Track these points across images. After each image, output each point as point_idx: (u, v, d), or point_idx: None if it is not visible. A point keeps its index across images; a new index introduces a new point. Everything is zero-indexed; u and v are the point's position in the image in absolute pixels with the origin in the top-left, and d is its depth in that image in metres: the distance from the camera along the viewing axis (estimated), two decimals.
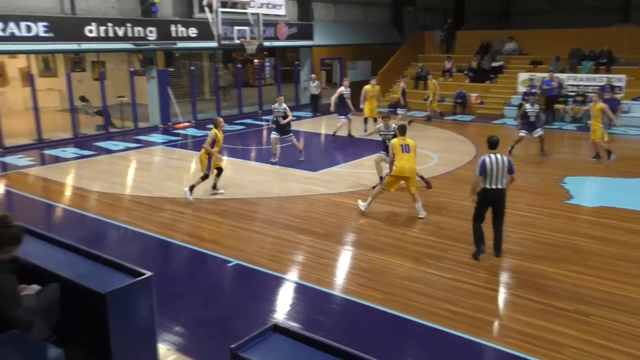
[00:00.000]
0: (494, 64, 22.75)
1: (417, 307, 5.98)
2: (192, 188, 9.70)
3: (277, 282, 6.70)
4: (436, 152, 13.77)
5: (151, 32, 16.73)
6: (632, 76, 19.28)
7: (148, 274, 3.80)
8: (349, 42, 25.02)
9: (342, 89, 15.73)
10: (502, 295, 6.42)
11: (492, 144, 7.33)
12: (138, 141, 15.70)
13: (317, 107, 21.21)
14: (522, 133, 13.38)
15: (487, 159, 7.11)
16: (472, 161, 13.04)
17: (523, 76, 20.74)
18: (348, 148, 14.82)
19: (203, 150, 9.73)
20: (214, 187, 10.17)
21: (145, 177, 11.91)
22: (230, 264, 7.17)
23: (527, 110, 13.34)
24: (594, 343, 5.27)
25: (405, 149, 8.81)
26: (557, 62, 20.82)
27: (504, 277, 6.86)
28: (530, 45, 23.29)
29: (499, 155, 7.18)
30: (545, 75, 19.78)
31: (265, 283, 6.68)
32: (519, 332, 5.50)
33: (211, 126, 10.19)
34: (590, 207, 9.43)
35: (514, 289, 6.49)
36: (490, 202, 7.22)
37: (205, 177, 9.81)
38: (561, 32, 22.45)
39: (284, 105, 12.46)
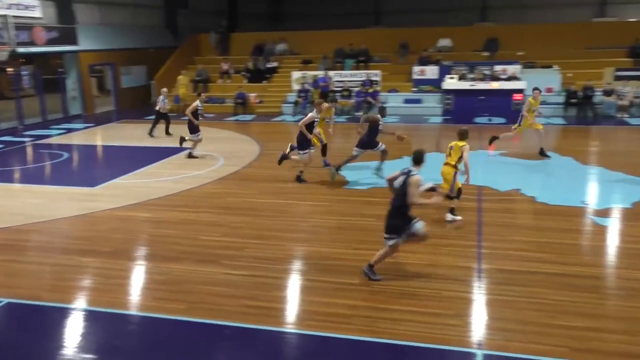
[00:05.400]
0: (269, 65, 23.73)
1: (220, 310, 5.94)
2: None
3: (63, 313, 6.04)
4: (222, 154, 13.84)
5: None
6: (386, 71, 21.92)
7: None
8: (120, 46, 23.65)
9: (197, 103, 13.34)
10: (298, 282, 6.76)
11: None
12: None
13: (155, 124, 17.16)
14: None
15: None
16: (257, 159, 13.43)
17: (296, 75, 22.03)
18: (129, 158, 14.01)
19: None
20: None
21: None
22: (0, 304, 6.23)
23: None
24: (378, 308, 5.89)
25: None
26: (325, 61, 22.58)
27: (298, 265, 7.21)
28: (300, 46, 24.86)
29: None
30: (317, 73, 21.36)
31: (49, 317, 5.95)
32: (317, 313, 5.85)
33: None
34: (365, 189, 10.44)
35: (309, 275, 6.86)
36: None
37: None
38: (326, 33, 24.44)
39: None
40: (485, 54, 22.12)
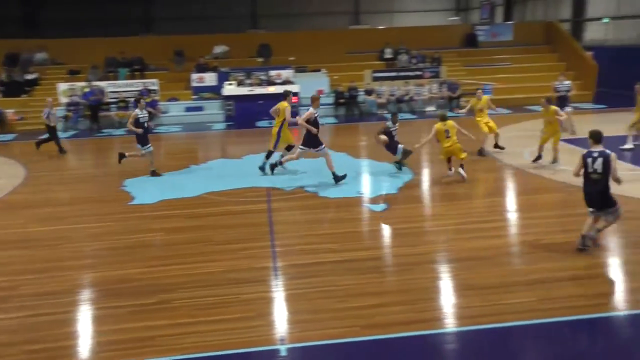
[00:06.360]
0: (28, 76, 21.20)
1: None
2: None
3: None
4: None
5: None
6: (164, 80, 21.32)
7: None
8: None
9: (137, 111, 11.72)
10: (88, 313, 6.19)
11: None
12: None
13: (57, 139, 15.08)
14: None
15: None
16: (24, 183, 11.92)
17: (63, 86, 20.08)
18: None
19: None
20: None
21: None
22: None
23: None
24: (181, 324, 5.72)
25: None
26: (95, 71, 21.01)
27: (86, 295, 6.61)
28: (64, 55, 22.69)
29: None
30: (88, 84, 19.81)
31: None
32: (113, 342, 5.44)
33: None
34: (152, 203, 10.04)
35: (100, 303, 6.34)
36: None
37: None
38: (95, 40, 22.73)
39: None
40: (260, 59, 22.97)
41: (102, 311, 6.16)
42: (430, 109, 20.90)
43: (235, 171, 12.26)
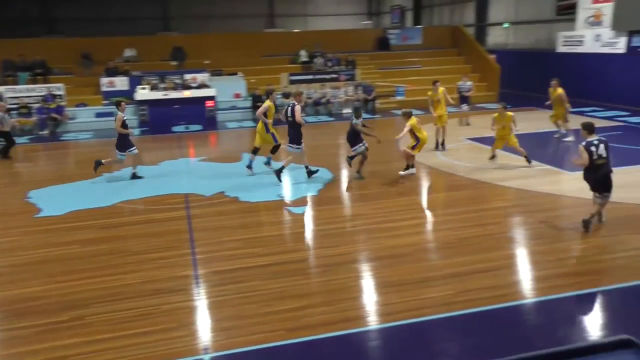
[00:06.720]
0: None
1: None
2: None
3: None
4: None
5: None
6: (70, 84, 20.21)
7: None
8: None
9: (122, 114, 11.73)
10: None
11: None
12: None
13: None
14: None
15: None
16: None
17: None
18: None
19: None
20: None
21: None
22: None
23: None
24: (97, 340, 5.42)
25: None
26: None
27: None
28: None
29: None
30: None
31: None
32: None
33: None
34: (61, 214, 9.47)
35: (2, 324, 5.88)
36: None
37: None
38: None
39: None
40: (174, 63, 22.34)
41: (6, 333, 5.71)
42: (347, 111, 21.28)
43: (152, 178, 11.85)
